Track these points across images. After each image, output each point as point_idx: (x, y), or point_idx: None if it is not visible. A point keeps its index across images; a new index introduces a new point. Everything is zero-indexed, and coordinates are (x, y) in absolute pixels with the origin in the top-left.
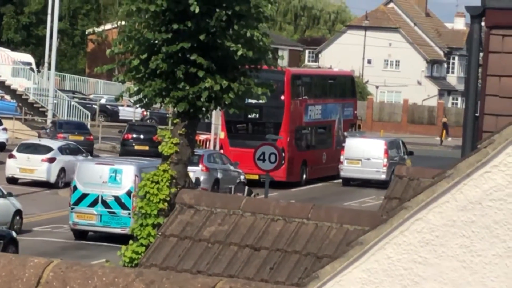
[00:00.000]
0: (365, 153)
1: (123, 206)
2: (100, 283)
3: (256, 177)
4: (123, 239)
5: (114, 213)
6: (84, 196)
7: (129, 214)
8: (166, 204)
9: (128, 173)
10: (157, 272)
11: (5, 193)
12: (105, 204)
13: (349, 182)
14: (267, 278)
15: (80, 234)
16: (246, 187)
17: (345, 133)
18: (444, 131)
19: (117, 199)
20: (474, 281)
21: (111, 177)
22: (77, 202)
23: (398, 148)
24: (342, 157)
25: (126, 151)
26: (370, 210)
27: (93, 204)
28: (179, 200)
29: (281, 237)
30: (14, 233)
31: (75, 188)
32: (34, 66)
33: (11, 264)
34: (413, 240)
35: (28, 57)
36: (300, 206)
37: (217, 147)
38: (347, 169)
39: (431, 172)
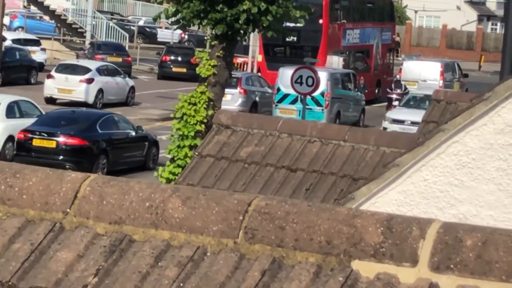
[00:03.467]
0: (421, 75)
1: (318, 104)
2: (137, 198)
3: None
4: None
5: (310, 109)
6: (286, 96)
7: (322, 110)
8: (203, 126)
9: (322, 77)
10: (194, 188)
11: (44, 113)
12: (303, 102)
13: None
14: (303, 199)
15: None
16: None
17: (403, 56)
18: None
19: (313, 98)
20: (510, 204)
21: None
22: (280, 100)
23: (453, 70)
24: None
25: (164, 73)
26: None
27: (294, 102)
28: (216, 120)
29: (318, 159)
30: (156, 136)
31: (278, 89)
32: None
33: (48, 178)
34: (449, 162)
35: None
36: (337, 127)
37: (255, 70)
38: None
39: (469, 96)
